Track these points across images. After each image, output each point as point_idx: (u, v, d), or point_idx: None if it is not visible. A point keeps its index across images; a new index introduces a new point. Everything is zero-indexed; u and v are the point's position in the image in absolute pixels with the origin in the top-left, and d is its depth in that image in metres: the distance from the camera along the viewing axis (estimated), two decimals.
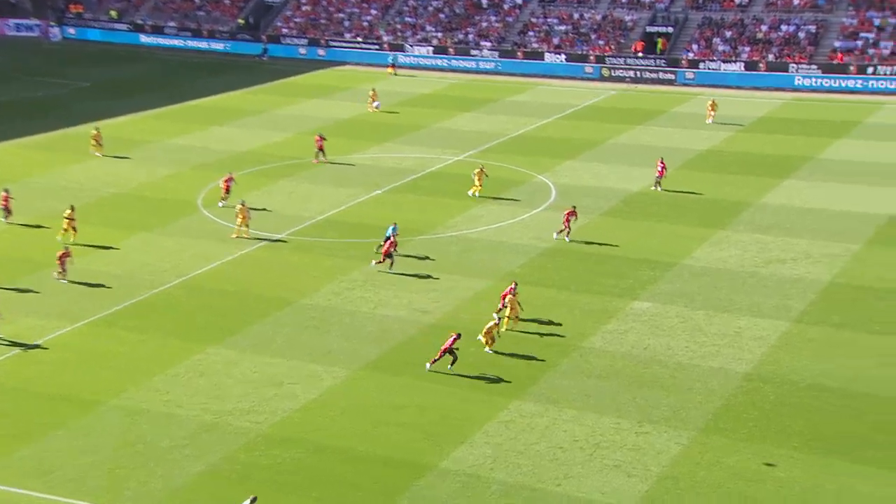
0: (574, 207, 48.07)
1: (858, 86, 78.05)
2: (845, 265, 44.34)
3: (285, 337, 38.06)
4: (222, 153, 63.06)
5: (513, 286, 38.94)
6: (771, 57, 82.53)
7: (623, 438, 31.23)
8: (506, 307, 38.12)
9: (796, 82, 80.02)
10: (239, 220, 47.64)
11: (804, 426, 31.73)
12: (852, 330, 38.17)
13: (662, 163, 55.53)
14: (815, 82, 79.40)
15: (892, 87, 76.83)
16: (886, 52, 79.58)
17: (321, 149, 60.93)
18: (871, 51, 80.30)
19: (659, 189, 54.86)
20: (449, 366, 34.99)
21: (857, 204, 52.16)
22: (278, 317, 39.72)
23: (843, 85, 78.49)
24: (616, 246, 47.22)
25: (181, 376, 34.91)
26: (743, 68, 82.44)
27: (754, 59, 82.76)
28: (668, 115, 73.55)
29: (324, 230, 49.58)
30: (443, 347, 34.94)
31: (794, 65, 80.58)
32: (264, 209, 51.77)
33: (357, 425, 31.91)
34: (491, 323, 36.86)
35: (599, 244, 47.47)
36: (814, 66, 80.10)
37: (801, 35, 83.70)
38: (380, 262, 43.97)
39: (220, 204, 52.06)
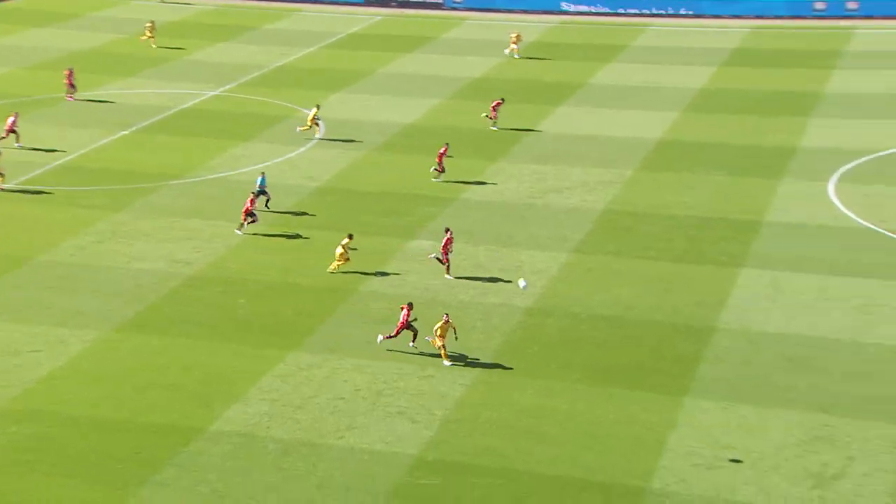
0: (447, 145, 47.75)
1: (622, 4, 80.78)
2: (618, 192, 46.32)
3: (22, 300, 36.22)
4: None
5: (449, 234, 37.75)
6: None
7: (406, 384, 31.63)
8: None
9: (562, 6, 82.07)
10: None
11: (586, 358, 33.12)
12: (628, 257, 40.01)
13: (499, 102, 54.81)
14: (582, 6, 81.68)
15: (655, 10, 79.94)
16: None
17: (71, 84, 58.25)
18: None
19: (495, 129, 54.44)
20: (410, 342, 33.26)
21: (627, 129, 54.46)
22: (11, 278, 37.63)
23: (611, 8, 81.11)
24: (390, 182, 47.43)
25: None
26: None
27: None
28: (438, 41, 74.13)
29: (61, 177, 47.18)
30: (399, 323, 33.14)
31: None
32: None
33: (113, 392, 30.85)
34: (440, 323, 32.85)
35: (374, 182, 47.52)
36: None
37: None
38: (241, 226, 41.75)
39: None
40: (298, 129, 52.66)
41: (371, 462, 27.82)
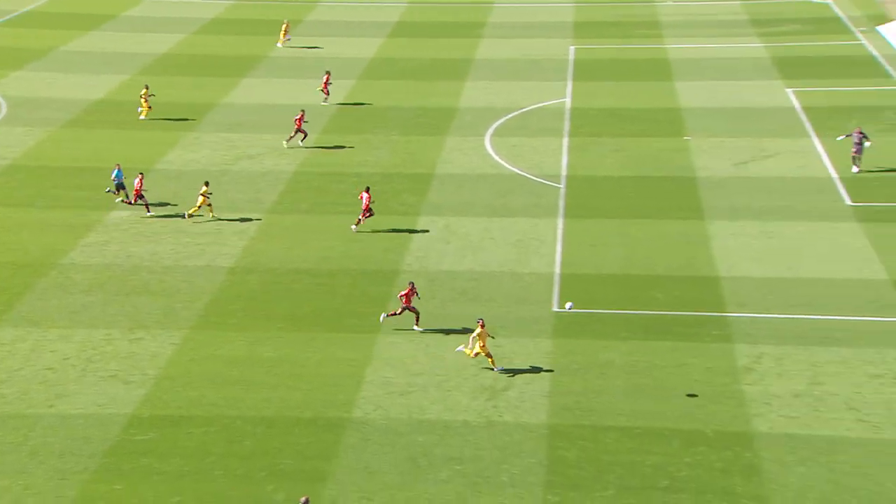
0: (303, 111, 45.72)
1: None
2: (307, 155, 46.03)
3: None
4: None
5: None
6: None
7: (116, 348, 30.15)
8: None
9: None
10: None
11: (287, 308, 32.86)
12: (321, 214, 39.94)
13: (327, 75, 52.39)
14: None
15: None
16: None
17: None
18: None
19: (327, 102, 52.11)
20: (415, 325, 31.15)
21: (311, 97, 53.91)
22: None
23: None
24: (84, 157, 44.71)
25: None
26: None
27: None
28: (120, 19, 70.32)
29: None
30: (405, 301, 30.65)
31: None
32: None
33: None
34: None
35: (66, 157, 44.56)
36: None
37: None
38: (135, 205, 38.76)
39: None
40: None
41: (85, 426, 26.41)
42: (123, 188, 39.69)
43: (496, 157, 45.51)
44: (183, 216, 38.97)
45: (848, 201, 39.74)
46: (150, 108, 49.47)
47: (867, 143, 41.96)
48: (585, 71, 57.59)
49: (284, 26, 63.61)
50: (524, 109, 51.70)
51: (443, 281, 34.48)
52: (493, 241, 37.37)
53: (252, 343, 30.72)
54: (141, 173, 39.85)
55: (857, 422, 26.52)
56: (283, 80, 57.40)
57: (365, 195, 37.59)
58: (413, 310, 31.00)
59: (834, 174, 42.33)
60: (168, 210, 39.81)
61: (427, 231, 38.27)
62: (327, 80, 52.44)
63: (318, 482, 24.66)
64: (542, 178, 42.97)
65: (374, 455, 25.59)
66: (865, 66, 56.00)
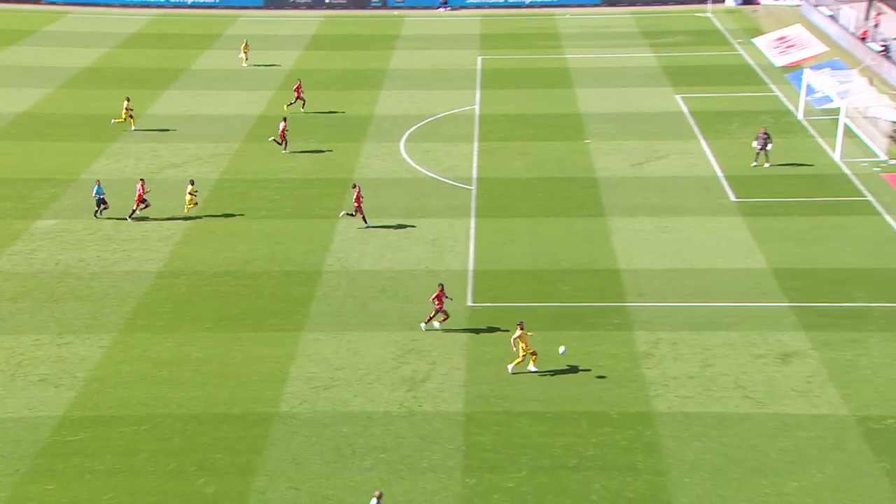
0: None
1: (212, 1, 78.91)
2: (230, 163, 45.55)
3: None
4: None
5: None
6: None
7: (45, 353, 29.48)
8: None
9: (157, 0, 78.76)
10: None
11: (214, 309, 32.49)
12: (245, 219, 39.55)
13: (298, 88, 51.37)
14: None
15: (239, 4, 78.89)
16: None
17: None
18: None
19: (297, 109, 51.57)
20: (438, 323, 30.90)
21: (232, 108, 53.53)
22: None
23: (199, 1, 78.83)
24: (9, 168, 43.46)
25: None
26: None
27: None
28: (42, 34, 68.47)
29: None
30: (438, 303, 30.21)
31: None
32: None
33: None
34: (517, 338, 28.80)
35: None
36: None
37: None
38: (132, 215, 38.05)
39: None
40: None
41: (16, 429, 25.82)
42: (104, 203, 38.62)
43: (411, 162, 45.66)
44: (125, 219, 38.21)
45: (732, 197, 40.95)
46: (132, 118, 48.49)
47: (769, 146, 43.50)
48: (492, 80, 58.11)
49: (244, 45, 62.19)
50: (436, 116, 51.94)
51: (363, 280, 34.50)
52: (410, 241, 37.52)
53: (180, 344, 30.32)
54: (142, 179, 39.12)
55: (744, 398, 27.43)
56: (205, 91, 56.62)
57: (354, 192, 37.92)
58: (444, 311, 30.73)
59: (720, 173, 43.56)
60: (94, 218, 38.93)
61: (347, 232, 38.23)
62: (299, 86, 51.90)
63: (248, 475, 24.49)
64: (454, 181, 43.27)
65: (300, 447, 25.52)
66: (743, 74, 57.73)
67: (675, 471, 24.59)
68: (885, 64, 55.40)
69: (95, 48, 64.89)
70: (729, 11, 74.23)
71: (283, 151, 46.28)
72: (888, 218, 38.55)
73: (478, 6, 78.02)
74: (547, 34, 69.24)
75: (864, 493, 23.72)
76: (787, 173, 43.01)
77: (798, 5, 73.69)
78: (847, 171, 43.08)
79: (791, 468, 24.54)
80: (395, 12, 77.37)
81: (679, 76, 57.82)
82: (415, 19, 74.69)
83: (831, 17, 66.22)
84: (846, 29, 63.18)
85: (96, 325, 31.15)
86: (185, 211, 39.50)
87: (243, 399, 27.50)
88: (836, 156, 44.50)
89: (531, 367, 28.72)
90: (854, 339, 30.21)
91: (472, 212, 40.06)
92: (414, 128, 50.27)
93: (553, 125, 50.09)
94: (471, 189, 42.38)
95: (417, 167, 44.94)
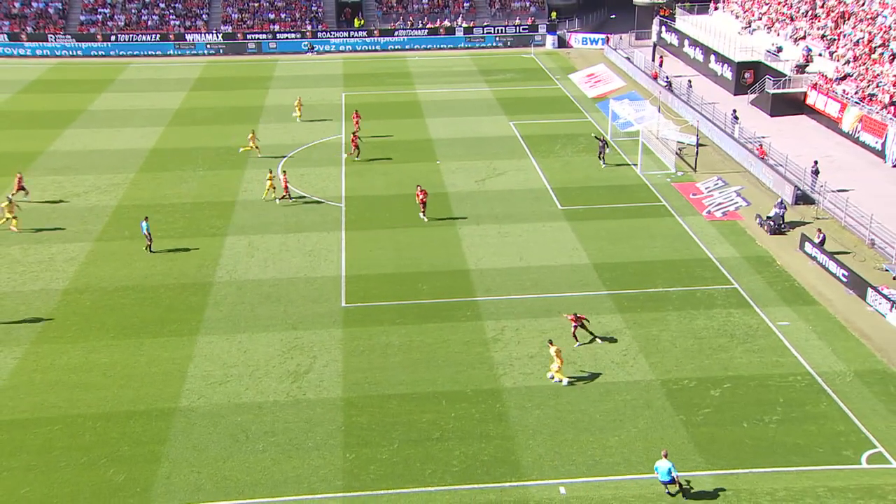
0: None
1: (104, 51, 75.67)
2: (126, 191, 43.74)
3: None
4: None
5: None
6: (30, 29, 75.86)
7: None
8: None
9: (54, 51, 74.77)
10: None
11: (117, 320, 31.15)
12: (141, 240, 38.01)
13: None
14: (71, 48, 75.18)
15: (133, 44, 75.88)
16: (121, 23, 78.03)
17: None
18: (109, 23, 78.03)
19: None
20: (581, 342, 29.52)
21: (126, 143, 51.43)
22: None
23: (93, 50, 75.48)
24: None
25: None
26: (7, 39, 74.56)
27: (15, 30, 75.26)
28: None
29: None
30: (574, 327, 29.37)
31: (52, 35, 75.26)
32: None
33: None
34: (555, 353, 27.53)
35: None
36: (68, 35, 75.64)
37: (52, 10, 78.08)
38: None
39: None
40: None
41: None
42: (149, 238, 35.96)
43: (290, 185, 44.97)
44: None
45: (559, 206, 42.19)
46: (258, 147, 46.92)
47: (607, 150, 47.17)
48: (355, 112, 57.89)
49: (297, 101, 56.52)
50: (308, 144, 51.36)
51: (250, 288, 33.77)
52: (290, 253, 36.97)
53: (88, 352, 28.90)
54: (20, 174, 36.79)
55: (575, 371, 28.30)
56: (101, 129, 54.18)
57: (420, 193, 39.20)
58: (583, 326, 29.51)
59: (548, 185, 44.78)
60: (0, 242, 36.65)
61: (234, 248, 37.33)
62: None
63: (154, 463, 23.59)
64: (326, 200, 42.90)
65: (200, 436, 24.77)
66: (563, 104, 59.62)
67: (520, 435, 25.13)
68: (670, 95, 58.35)
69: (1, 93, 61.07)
70: (548, 53, 76.51)
71: (356, 159, 47.10)
72: (679, 219, 40.60)
73: (339, 50, 77.64)
74: (400, 73, 69.56)
75: (668, 441, 24.89)
76: (600, 185, 44.66)
77: (602, 48, 76.70)
78: (647, 181, 45.09)
79: (612, 426, 25.47)
80: (269, 57, 76.14)
81: (511, 106, 59.17)
82: (286, 62, 73.65)
83: (627, 58, 69.27)
84: (639, 67, 66.23)
85: (8, 340, 29.33)
86: (264, 196, 40.28)
87: (147, 397, 26.47)
88: (639, 169, 46.53)
89: (557, 378, 27.20)
90: (657, 318, 31.63)
91: (343, 225, 39.83)
92: (289, 155, 49.55)
93: (409, 149, 50.36)
94: (340, 206, 42.12)
95: (294, 189, 44.32)
